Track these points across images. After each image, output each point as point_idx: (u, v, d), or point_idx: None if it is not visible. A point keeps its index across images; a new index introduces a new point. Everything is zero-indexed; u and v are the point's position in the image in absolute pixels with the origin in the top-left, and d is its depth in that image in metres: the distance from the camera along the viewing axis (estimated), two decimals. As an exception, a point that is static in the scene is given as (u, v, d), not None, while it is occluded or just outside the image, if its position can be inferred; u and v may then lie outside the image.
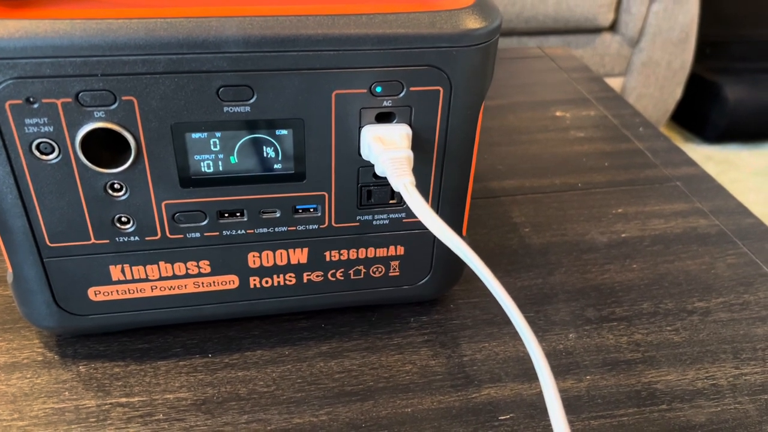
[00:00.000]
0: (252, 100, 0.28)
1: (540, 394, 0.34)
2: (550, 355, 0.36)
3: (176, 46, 0.26)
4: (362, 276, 0.36)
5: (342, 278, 0.35)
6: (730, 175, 1.59)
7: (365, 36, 0.28)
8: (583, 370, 0.35)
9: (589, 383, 0.34)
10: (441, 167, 0.32)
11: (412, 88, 0.29)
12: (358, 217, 0.33)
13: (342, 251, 0.34)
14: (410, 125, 0.30)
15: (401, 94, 0.29)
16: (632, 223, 0.48)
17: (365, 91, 0.29)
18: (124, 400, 0.32)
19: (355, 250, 0.34)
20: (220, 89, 0.28)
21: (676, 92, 1.48)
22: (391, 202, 0.33)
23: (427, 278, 0.37)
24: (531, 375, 0.35)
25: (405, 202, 0.33)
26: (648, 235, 0.46)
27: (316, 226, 0.33)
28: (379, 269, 0.36)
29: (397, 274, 0.36)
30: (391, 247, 0.35)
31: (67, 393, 0.33)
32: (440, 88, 0.30)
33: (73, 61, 0.26)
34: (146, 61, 0.27)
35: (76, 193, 0.29)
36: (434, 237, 0.35)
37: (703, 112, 1.66)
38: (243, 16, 0.27)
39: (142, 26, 0.26)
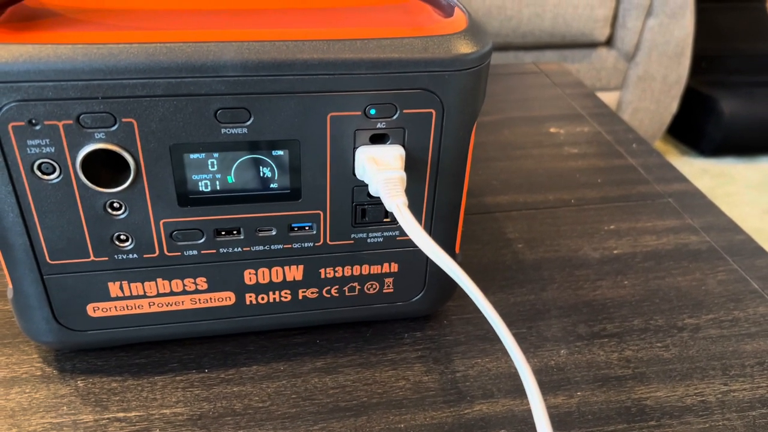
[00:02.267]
0: (249, 122, 0.29)
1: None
2: (542, 371, 0.37)
3: (175, 70, 0.27)
4: (357, 292, 0.36)
5: (337, 295, 0.36)
6: (726, 188, 1.59)
7: (360, 60, 0.28)
8: (574, 386, 0.36)
9: (579, 399, 0.35)
10: (434, 186, 0.33)
11: (405, 111, 0.30)
12: (352, 235, 0.34)
13: (337, 268, 0.35)
14: (404, 146, 0.31)
15: (395, 117, 0.30)
16: (624, 240, 0.48)
17: (360, 113, 0.30)
18: (121, 414, 0.33)
19: (349, 267, 0.35)
20: (218, 111, 0.29)
21: (672, 106, 1.49)
22: (385, 220, 0.34)
23: (420, 295, 0.37)
24: (523, 391, 0.35)
25: (398, 221, 0.34)
26: (640, 251, 0.47)
27: (311, 244, 0.34)
28: (374, 286, 0.36)
29: (391, 290, 0.37)
30: (385, 265, 0.35)
31: (65, 408, 0.33)
32: (433, 111, 0.30)
33: (75, 85, 0.27)
34: (146, 84, 0.27)
35: (76, 212, 0.30)
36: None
37: (698, 126, 1.67)
38: (240, 41, 0.28)
39: (142, 51, 0.27)
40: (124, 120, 0.28)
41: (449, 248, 0.36)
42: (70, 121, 0.28)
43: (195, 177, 0.30)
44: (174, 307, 0.34)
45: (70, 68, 0.26)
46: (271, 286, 0.35)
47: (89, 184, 0.29)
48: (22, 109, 0.27)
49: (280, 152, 0.30)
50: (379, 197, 0.32)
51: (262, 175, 0.31)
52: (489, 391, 0.35)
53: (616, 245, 0.48)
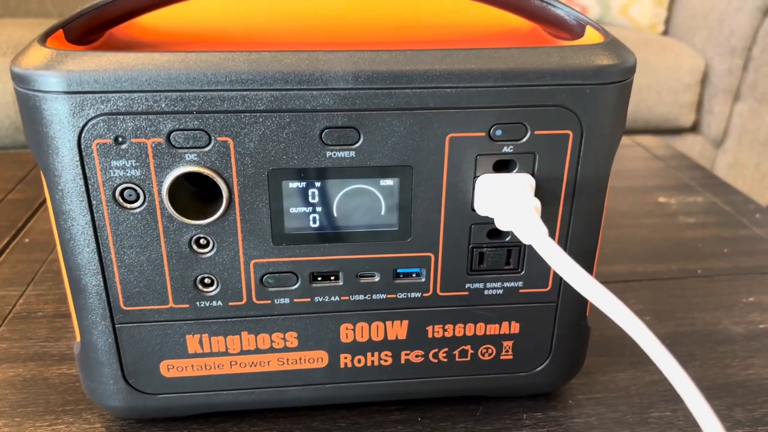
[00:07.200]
0: (357, 144, 0.25)
1: None
2: (702, 464, 0.29)
3: (280, 81, 0.24)
4: (469, 358, 0.31)
5: (445, 359, 0.30)
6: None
7: (487, 71, 0.25)
8: (748, 484, 0.28)
9: (759, 501, 0.27)
10: (567, 227, 0.28)
11: (537, 132, 0.26)
12: (467, 285, 0.29)
13: (447, 326, 0.30)
14: (533, 175, 0.26)
15: (524, 139, 0.26)
16: (770, 314, 0.41)
17: (483, 134, 0.26)
18: (191, 497, 0.28)
19: (462, 325, 0.30)
20: (324, 131, 0.25)
21: (766, 195, 1.40)
22: (506, 267, 0.29)
23: (545, 364, 0.31)
24: (682, 487, 0.28)
25: (522, 269, 0.29)
26: (793, 326, 0.40)
27: (418, 294, 0.29)
28: (489, 350, 0.30)
29: (510, 357, 0.31)
30: (505, 324, 0.30)
31: (127, 486, 0.28)
32: (570, 132, 0.26)
33: (168, 96, 0.24)
34: (246, 97, 0.24)
35: (158, 248, 0.26)
36: (556, 313, 0.30)
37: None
38: (353, 50, 0.25)
39: (244, 59, 0.24)
40: (219, 139, 0.25)
41: (581, 305, 0.30)
42: (160, 139, 0.24)
43: (293, 210, 0.26)
44: (258, 368, 0.29)
45: (164, 77, 0.23)
46: (370, 346, 0.30)
47: (175, 215, 0.26)
48: (109, 123, 0.24)
49: (390, 181, 0.26)
50: (500, 237, 0.28)
51: (367, 208, 0.27)
52: (639, 486, 0.28)
53: (762, 319, 0.40)
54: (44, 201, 0.55)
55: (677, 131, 1.32)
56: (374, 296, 0.28)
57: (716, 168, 1.32)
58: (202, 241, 0.27)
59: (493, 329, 0.30)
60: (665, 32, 1.46)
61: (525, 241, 0.24)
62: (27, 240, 0.49)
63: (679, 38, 1.39)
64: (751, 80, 1.25)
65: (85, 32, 0.27)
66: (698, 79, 1.29)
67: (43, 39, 0.25)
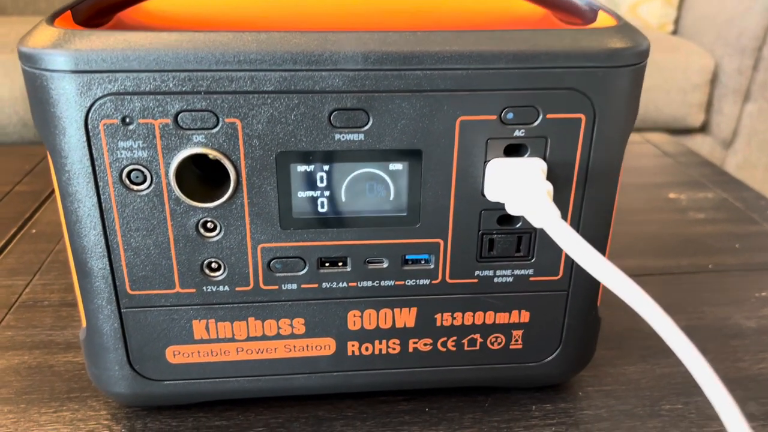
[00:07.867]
0: (366, 127, 0.25)
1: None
2: (715, 457, 0.29)
3: (289, 62, 0.24)
4: (477, 347, 0.30)
5: (454, 348, 0.30)
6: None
7: (498, 53, 0.24)
8: (762, 476, 0.28)
9: (773, 494, 0.27)
10: (579, 213, 0.27)
11: (549, 116, 0.25)
12: (476, 272, 0.28)
13: (455, 314, 0.29)
14: (545, 160, 0.26)
15: (536, 122, 0.25)
16: (783, 309, 0.40)
17: (494, 117, 0.25)
18: (196, 483, 0.27)
19: (471, 313, 0.29)
20: (333, 113, 0.25)
21: (775, 198, 1.39)
22: (516, 254, 0.28)
23: (555, 354, 0.31)
24: (694, 479, 0.27)
25: (533, 256, 0.28)
26: (806, 321, 0.39)
27: (427, 281, 0.28)
28: (499, 339, 0.30)
29: (520, 346, 0.30)
30: (514, 312, 0.30)
31: (132, 472, 0.28)
32: (582, 116, 0.26)
33: (177, 76, 0.23)
34: (255, 77, 0.24)
35: (164, 232, 0.26)
36: (567, 302, 0.29)
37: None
38: (363, 31, 0.24)
39: (253, 39, 0.24)
40: (227, 120, 0.24)
41: (593, 294, 0.30)
42: (167, 120, 0.24)
43: (301, 194, 0.26)
44: (265, 355, 0.29)
45: (172, 57, 0.23)
46: (378, 333, 0.29)
47: (183, 197, 0.25)
48: (116, 103, 0.24)
49: (399, 165, 0.26)
50: (511, 223, 0.27)
51: (376, 193, 0.27)
52: (650, 478, 0.28)
53: (774, 314, 0.40)
54: (51, 193, 0.54)
55: (686, 131, 1.31)
56: (382, 283, 0.28)
57: (725, 169, 1.31)
58: (209, 225, 0.26)
59: (502, 318, 0.30)
60: (674, 32, 1.45)
61: (537, 224, 0.24)
62: (34, 231, 0.49)
63: (689, 38, 1.38)
64: (761, 80, 1.24)
65: (92, 15, 0.27)
66: (707, 79, 1.28)
67: (51, 19, 0.25)
